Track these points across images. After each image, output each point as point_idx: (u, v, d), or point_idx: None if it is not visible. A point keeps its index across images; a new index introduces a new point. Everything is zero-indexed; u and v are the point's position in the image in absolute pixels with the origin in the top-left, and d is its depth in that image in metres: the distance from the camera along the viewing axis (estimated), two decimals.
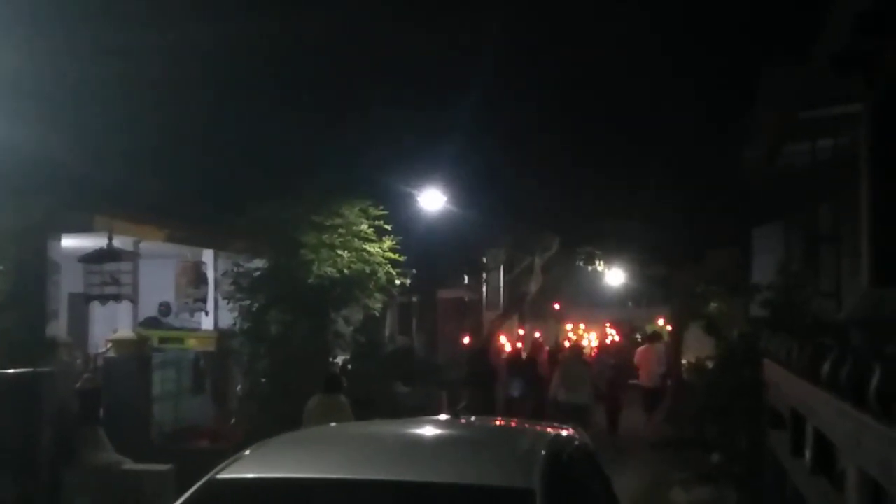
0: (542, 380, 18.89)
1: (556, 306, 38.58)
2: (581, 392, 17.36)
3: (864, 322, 6.20)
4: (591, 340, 33.97)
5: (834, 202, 10.54)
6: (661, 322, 27.05)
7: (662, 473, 13.36)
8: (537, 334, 29.19)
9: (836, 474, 3.93)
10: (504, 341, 25.56)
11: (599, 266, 32.58)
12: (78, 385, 11.65)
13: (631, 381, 23.99)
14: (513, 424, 8.42)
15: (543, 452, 4.68)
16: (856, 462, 3.15)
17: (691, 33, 14.53)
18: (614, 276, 35.72)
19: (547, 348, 25.47)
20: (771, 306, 10.05)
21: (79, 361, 13.16)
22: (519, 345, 26.07)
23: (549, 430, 5.90)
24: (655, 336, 24.08)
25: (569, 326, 37.14)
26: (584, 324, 38.32)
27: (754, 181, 13.01)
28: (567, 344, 24.74)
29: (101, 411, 11.54)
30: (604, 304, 39.94)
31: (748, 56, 12.19)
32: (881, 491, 2.73)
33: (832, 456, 3.79)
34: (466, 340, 23.00)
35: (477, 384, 17.59)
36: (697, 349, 16.86)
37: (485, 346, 20.87)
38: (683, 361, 20.98)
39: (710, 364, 11.85)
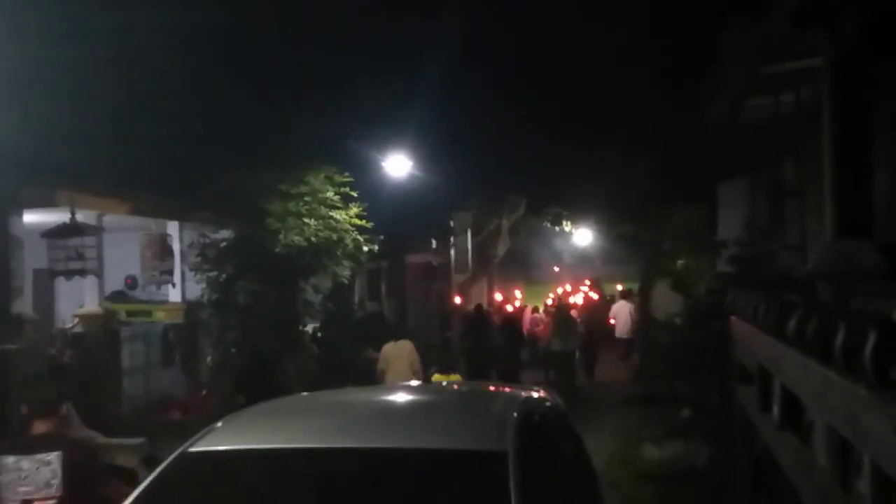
0: (521, 333, 22.91)
1: (556, 268, 39.97)
2: (570, 342, 21.24)
3: (829, 274, 6.27)
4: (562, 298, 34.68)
5: (797, 156, 10.60)
6: (619, 287, 28.99)
7: (633, 430, 13.48)
8: (519, 294, 31.92)
9: (804, 429, 3.98)
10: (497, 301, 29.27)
11: (567, 226, 32.75)
12: (65, 360, 11.64)
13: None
14: (484, 388, 8.47)
15: (515, 414, 4.70)
16: (822, 417, 3.18)
17: None
18: (582, 236, 35.90)
19: (529, 307, 28.55)
20: (737, 262, 10.12)
21: (61, 342, 13.01)
22: (509, 306, 28.88)
23: (520, 392, 5.94)
24: (628, 293, 26.79)
25: (567, 287, 37.88)
26: (558, 284, 38.76)
27: (719, 137, 13.05)
28: (556, 302, 27.87)
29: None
30: (573, 263, 40.11)
31: (710, 10, 12.17)
32: (847, 445, 2.76)
33: (799, 411, 3.83)
34: (458, 300, 26.37)
35: (475, 337, 20.65)
36: (666, 306, 17.05)
37: (480, 306, 23.65)
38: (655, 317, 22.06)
39: (678, 320, 11.94)
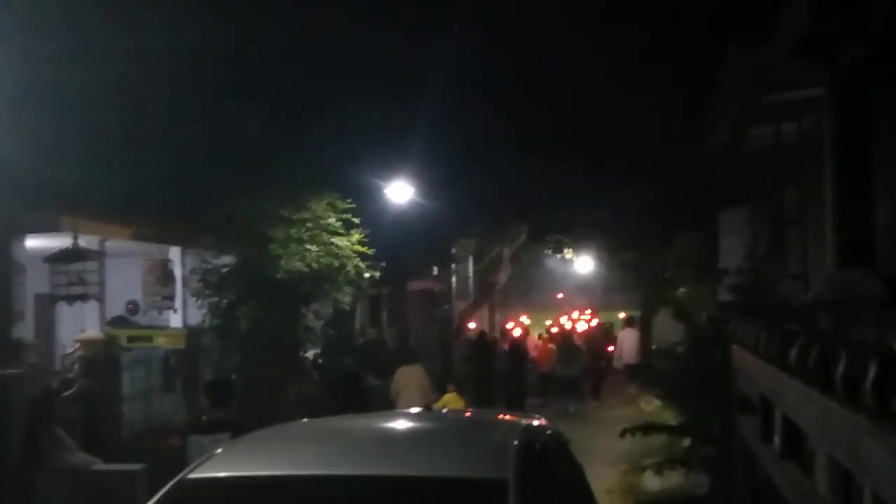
0: (526, 358, 23.78)
1: (560, 295, 40.15)
2: (574, 367, 22.93)
3: (830, 304, 6.26)
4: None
5: (799, 184, 10.62)
6: (621, 315, 29.32)
7: (635, 458, 13.44)
8: (527, 320, 32.35)
9: (805, 459, 3.96)
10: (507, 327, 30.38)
11: (568, 254, 32.80)
12: (74, 389, 11.62)
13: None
14: (484, 415, 8.45)
15: (516, 443, 4.69)
16: (823, 447, 3.18)
17: (654, 17, 14.57)
18: (583, 264, 35.94)
19: (534, 335, 29.46)
20: (739, 290, 10.11)
21: (76, 366, 12.95)
22: (517, 331, 29.16)
23: (521, 420, 5.92)
24: (633, 321, 27.63)
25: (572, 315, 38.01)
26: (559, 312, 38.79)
27: (720, 165, 13.09)
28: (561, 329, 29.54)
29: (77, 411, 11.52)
30: (574, 291, 40.08)
31: (711, 40, 12.23)
32: (849, 475, 2.75)
33: (801, 441, 3.81)
34: (472, 325, 27.60)
35: (480, 361, 21.66)
36: (667, 333, 17.04)
37: (484, 332, 24.97)
38: (653, 347, 22.75)
39: (679, 349, 11.92)
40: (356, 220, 13.44)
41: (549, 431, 5.62)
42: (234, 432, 7.89)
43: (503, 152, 19.45)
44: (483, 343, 22.86)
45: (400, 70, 15.47)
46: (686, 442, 11.48)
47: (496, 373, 21.97)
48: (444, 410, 10.01)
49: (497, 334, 28.40)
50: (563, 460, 5.48)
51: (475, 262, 29.04)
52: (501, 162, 19.81)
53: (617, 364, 26.69)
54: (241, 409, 11.96)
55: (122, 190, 12.07)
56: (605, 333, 30.50)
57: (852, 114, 6.87)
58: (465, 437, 5.47)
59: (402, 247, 17.77)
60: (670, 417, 14.44)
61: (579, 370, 23.45)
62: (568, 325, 33.99)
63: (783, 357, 3.41)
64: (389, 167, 17.09)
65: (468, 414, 9.52)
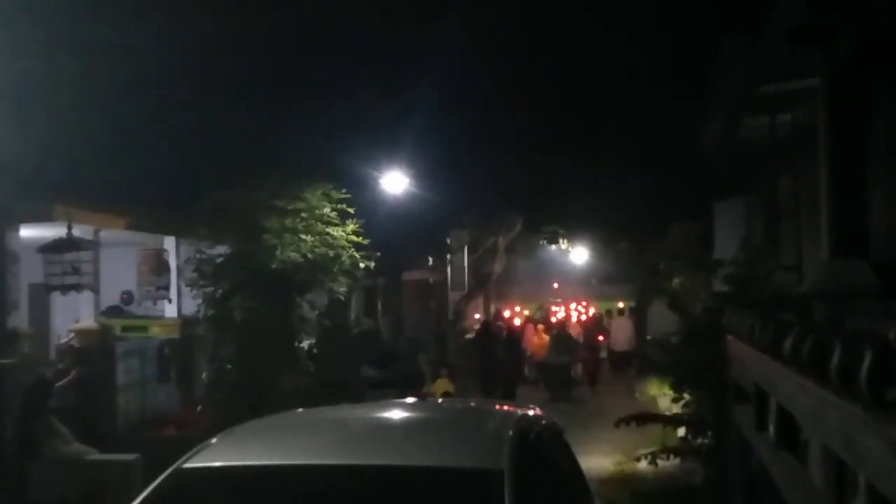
0: (521, 346, 24.51)
1: (556, 285, 40.24)
2: (565, 355, 23.54)
3: (824, 294, 6.27)
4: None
5: (793, 175, 10.62)
6: (620, 304, 29.49)
7: (629, 447, 13.46)
8: (526, 312, 32.85)
9: (800, 448, 3.98)
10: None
11: (563, 245, 32.85)
12: (70, 377, 11.63)
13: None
14: (480, 406, 8.47)
15: (511, 433, 4.69)
16: (818, 437, 3.19)
17: (649, 8, 14.57)
18: (578, 255, 35.98)
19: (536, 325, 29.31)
20: (733, 281, 10.13)
21: (70, 358, 12.95)
22: (517, 321, 29.70)
23: (516, 410, 5.93)
24: (626, 310, 28.91)
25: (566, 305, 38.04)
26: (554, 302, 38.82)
27: (714, 156, 13.08)
28: (554, 319, 30.11)
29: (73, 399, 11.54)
30: (569, 281, 40.11)
31: (706, 30, 12.22)
32: (843, 465, 2.76)
33: (795, 430, 3.83)
34: (477, 316, 28.45)
35: (484, 351, 22.17)
36: (662, 324, 17.09)
37: (489, 322, 25.38)
38: (648, 337, 22.97)
39: (674, 339, 11.94)
40: (351, 211, 13.42)
41: (543, 421, 5.63)
42: (397, 389, 9.91)
43: (497, 143, 19.44)
44: (488, 333, 23.20)
45: (395, 61, 15.45)
46: (681, 431, 11.51)
47: (499, 363, 22.32)
48: (440, 400, 10.04)
49: (500, 323, 28.44)
50: (558, 450, 5.49)
51: (470, 253, 29.03)
52: (496, 153, 19.80)
53: (603, 354, 27.40)
54: (395, 372, 14.41)
55: (116, 179, 12.06)
56: (597, 323, 30.69)
57: (847, 104, 6.86)
58: (461, 427, 5.47)
59: (397, 237, 17.76)
60: (665, 407, 14.49)
61: (569, 358, 24.00)
62: (561, 315, 34.09)
63: (777, 347, 3.42)
64: (384, 158, 17.08)
65: (463, 404, 9.54)
